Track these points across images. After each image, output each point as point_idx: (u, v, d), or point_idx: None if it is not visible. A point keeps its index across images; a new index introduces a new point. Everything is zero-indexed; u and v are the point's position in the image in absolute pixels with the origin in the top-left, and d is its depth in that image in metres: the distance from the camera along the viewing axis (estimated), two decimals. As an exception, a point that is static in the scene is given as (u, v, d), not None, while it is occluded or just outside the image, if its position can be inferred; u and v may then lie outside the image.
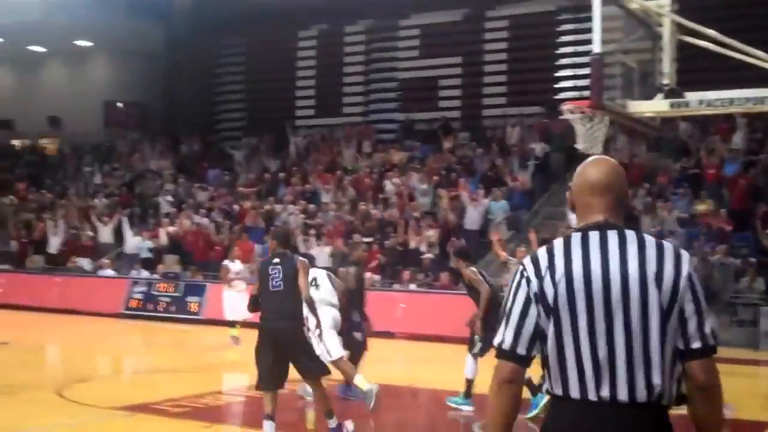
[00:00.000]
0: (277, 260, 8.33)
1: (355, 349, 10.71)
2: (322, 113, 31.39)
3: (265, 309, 8.35)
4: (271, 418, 8.03)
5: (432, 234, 20.52)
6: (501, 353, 2.94)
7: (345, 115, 30.72)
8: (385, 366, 12.90)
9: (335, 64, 31.40)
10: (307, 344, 8.61)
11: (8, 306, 22.55)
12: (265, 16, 30.10)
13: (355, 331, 10.72)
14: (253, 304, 8.61)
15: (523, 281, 2.92)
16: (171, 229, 24.06)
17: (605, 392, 2.80)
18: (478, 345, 9.92)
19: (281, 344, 8.17)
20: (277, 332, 8.19)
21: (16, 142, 37.04)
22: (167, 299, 21.29)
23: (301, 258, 8.73)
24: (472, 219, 20.98)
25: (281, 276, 8.24)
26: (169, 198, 26.70)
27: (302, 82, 32.13)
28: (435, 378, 10.83)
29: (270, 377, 8.14)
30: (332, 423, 8.47)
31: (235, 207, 24.91)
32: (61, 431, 9.16)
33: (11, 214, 28.53)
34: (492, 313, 9.62)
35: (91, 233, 25.49)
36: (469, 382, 9.90)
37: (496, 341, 2.96)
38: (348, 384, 10.64)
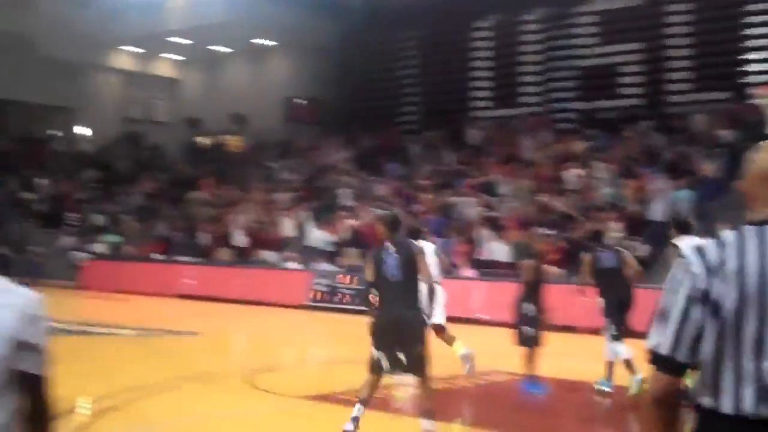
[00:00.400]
0: (391, 248, 7.93)
1: (526, 344, 10.52)
2: (499, 104, 31.13)
3: (381, 298, 7.96)
4: (364, 403, 7.84)
5: (615, 225, 19.95)
6: (658, 359, 2.57)
7: (522, 105, 30.35)
8: (565, 360, 12.63)
9: (511, 54, 31.07)
10: (423, 338, 8.08)
11: (199, 297, 23.51)
12: (438, 7, 30.14)
13: (525, 325, 10.50)
14: (368, 293, 8.21)
15: (688, 276, 2.55)
16: (351, 222, 24.41)
17: (766, 411, 2.45)
18: (612, 327, 10.27)
19: (400, 333, 7.84)
20: (397, 322, 7.85)
21: (202, 140, 38.53)
22: (349, 291, 21.57)
23: (415, 243, 8.46)
24: (657, 209, 20.28)
25: (398, 264, 7.84)
26: (349, 191, 27.12)
27: (478, 73, 31.95)
28: (617, 373, 10.47)
29: (380, 363, 7.88)
30: (427, 425, 7.84)
31: (414, 200, 25.00)
32: (252, 419, 9.38)
33: (199, 210, 29.69)
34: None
35: (274, 227, 26.22)
36: (628, 362, 9.98)
37: (651, 343, 2.60)
38: (532, 379, 10.49)
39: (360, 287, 21.10)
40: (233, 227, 27.03)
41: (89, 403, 9.65)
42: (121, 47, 37.45)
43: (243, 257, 25.66)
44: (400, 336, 7.87)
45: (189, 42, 35.12)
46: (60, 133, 39.43)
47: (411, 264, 7.88)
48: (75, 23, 32.72)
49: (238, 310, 21.73)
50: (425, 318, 8.20)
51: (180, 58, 38.88)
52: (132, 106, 39.79)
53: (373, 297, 8.06)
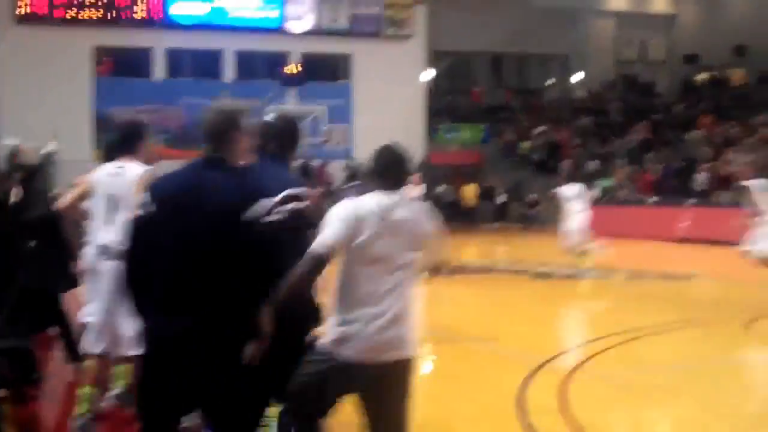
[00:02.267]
0: None
1: None
2: None
3: None
4: None
5: None
6: None
7: None
8: None
9: None
10: None
11: (695, 241, 22.47)
12: None
13: None
14: None
15: None
16: None
17: None
18: None
19: None
20: None
21: (700, 77, 36.86)
22: None
23: None
24: None
25: None
26: None
27: None
28: None
29: None
30: None
31: None
32: (749, 368, 8.67)
33: (696, 150, 28.38)
34: None
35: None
36: None
37: None
38: None
39: None
40: (733, 167, 25.36)
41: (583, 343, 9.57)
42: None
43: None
44: None
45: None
46: (554, 81, 40.18)
47: None
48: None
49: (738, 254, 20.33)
50: None
51: (676, -8, 37.58)
52: (625, 48, 39.30)
53: None
